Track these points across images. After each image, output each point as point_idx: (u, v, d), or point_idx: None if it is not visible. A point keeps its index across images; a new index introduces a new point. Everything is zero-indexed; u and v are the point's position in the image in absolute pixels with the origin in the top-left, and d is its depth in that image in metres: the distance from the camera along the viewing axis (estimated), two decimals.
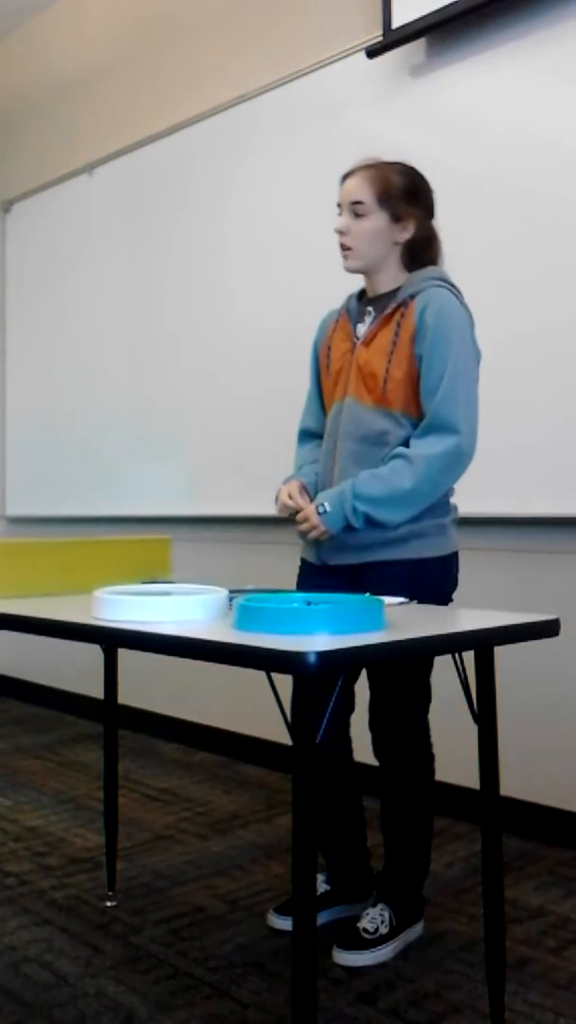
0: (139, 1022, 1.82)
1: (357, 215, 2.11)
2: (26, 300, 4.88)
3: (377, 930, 2.08)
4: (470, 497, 2.84)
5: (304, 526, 2.09)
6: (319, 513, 2.05)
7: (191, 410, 3.92)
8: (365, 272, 2.17)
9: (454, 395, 2.01)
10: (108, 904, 2.37)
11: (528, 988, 1.94)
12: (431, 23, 2.94)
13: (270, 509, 3.67)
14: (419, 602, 1.91)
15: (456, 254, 2.95)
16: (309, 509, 2.08)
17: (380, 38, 3.11)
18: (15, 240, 4.97)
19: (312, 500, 2.14)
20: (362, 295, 2.22)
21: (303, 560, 2.25)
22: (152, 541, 2.24)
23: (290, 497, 2.16)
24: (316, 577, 2.17)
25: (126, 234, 4.26)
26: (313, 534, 2.08)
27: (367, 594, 1.76)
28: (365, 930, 2.08)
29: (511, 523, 2.87)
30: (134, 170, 4.21)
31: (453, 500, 2.15)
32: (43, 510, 4.72)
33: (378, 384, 2.07)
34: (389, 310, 2.10)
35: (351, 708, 2.24)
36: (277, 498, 2.22)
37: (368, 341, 2.11)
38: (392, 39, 3.06)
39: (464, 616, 1.70)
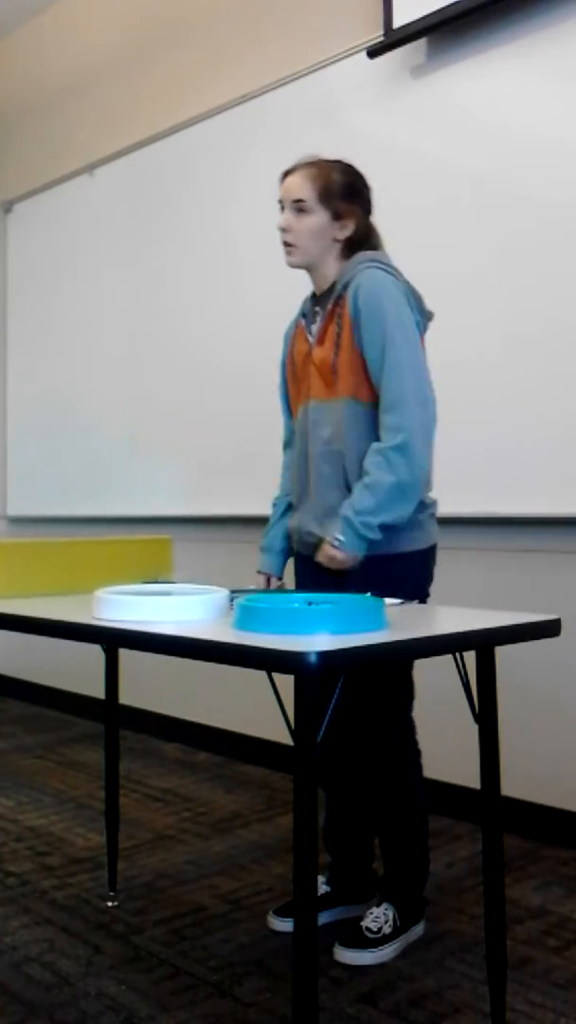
0: (140, 1022, 1.82)
1: (300, 212, 2.13)
2: (27, 300, 4.89)
3: (380, 930, 2.08)
4: (470, 497, 2.85)
5: (331, 564, 2.05)
6: (335, 547, 2.01)
7: (192, 410, 3.92)
8: (307, 268, 2.19)
9: (398, 370, 2.01)
10: (109, 904, 2.37)
11: (529, 988, 1.94)
12: (432, 23, 2.94)
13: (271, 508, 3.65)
14: (394, 596, 1.91)
15: (457, 254, 2.96)
16: (325, 548, 2.04)
17: (381, 38, 3.11)
18: (16, 240, 4.97)
19: (280, 576, 2.32)
20: (314, 297, 2.24)
21: (296, 553, 2.29)
22: (153, 541, 2.24)
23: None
24: (309, 565, 2.18)
25: (127, 235, 4.26)
26: (340, 566, 2.04)
27: (368, 594, 1.76)
28: (368, 929, 2.08)
29: (512, 523, 2.87)
30: (135, 170, 4.21)
31: (432, 495, 2.16)
32: (43, 510, 4.72)
33: (331, 377, 2.10)
34: (331, 304, 2.13)
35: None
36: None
37: (320, 339, 2.15)
38: (393, 39, 3.06)
39: (465, 616, 1.70)
